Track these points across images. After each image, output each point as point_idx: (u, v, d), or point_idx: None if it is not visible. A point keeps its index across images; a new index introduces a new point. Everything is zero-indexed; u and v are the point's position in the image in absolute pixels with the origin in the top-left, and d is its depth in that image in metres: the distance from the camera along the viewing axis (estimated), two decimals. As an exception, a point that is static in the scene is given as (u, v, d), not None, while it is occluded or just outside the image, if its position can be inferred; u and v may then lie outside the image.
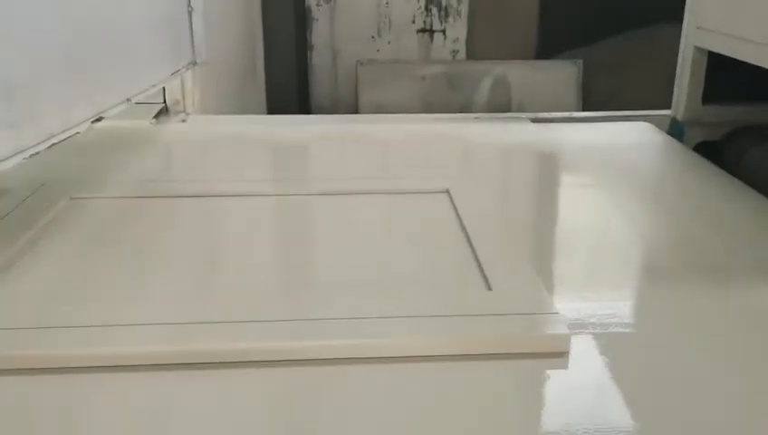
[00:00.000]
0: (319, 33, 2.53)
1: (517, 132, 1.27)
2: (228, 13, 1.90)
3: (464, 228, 0.79)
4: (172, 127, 1.36)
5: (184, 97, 1.45)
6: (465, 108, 2.47)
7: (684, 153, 1.18)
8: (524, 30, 2.47)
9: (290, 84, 2.51)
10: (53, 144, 0.75)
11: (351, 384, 0.53)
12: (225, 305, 0.61)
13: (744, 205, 0.94)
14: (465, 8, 2.48)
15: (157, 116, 1.39)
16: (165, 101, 1.44)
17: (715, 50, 1.18)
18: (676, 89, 1.30)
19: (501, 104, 2.48)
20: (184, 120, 1.41)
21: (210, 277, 0.71)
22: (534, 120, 1.35)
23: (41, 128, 0.73)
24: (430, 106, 2.47)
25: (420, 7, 2.49)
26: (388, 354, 0.55)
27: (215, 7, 1.62)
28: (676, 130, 1.28)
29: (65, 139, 0.78)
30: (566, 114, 1.40)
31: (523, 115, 1.38)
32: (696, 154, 1.18)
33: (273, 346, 0.55)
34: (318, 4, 2.51)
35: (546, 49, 2.45)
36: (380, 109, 2.48)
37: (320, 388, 0.53)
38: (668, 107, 1.33)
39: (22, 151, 0.69)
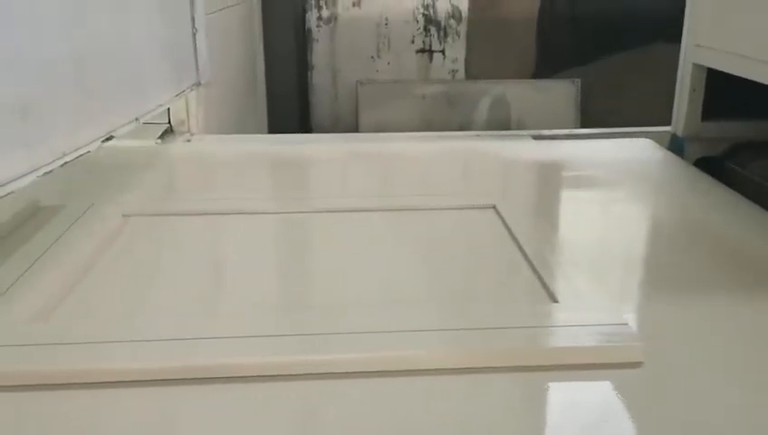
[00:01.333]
0: (319, 54, 2.56)
1: (523, 149, 1.28)
2: (230, 34, 1.92)
3: (518, 243, 0.80)
4: (179, 147, 1.37)
5: (188, 117, 1.47)
6: (464, 126, 2.49)
7: (684, 168, 1.19)
8: (523, 50, 2.49)
9: (291, 104, 2.54)
10: (66, 163, 0.76)
11: (419, 395, 0.53)
12: (274, 320, 0.61)
13: (743, 217, 0.95)
14: (463, 29, 2.51)
15: (162, 136, 1.40)
16: (170, 122, 1.45)
17: (714, 66, 1.19)
18: (675, 106, 1.32)
19: (500, 123, 2.50)
20: (189, 140, 1.43)
21: (267, 292, 0.72)
22: (536, 138, 1.36)
23: (53, 147, 0.74)
24: (430, 125, 2.49)
25: (419, 28, 2.52)
26: (462, 365, 0.56)
27: (217, 29, 1.64)
28: (676, 145, 1.30)
29: (76, 157, 0.79)
30: (567, 131, 1.42)
31: (525, 132, 1.40)
32: (697, 169, 1.19)
33: (341, 358, 0.55)
34: (318, 26, 2.54)
35: (544, 68, 2.48)
36: (380, 128, 2.50)
37: (394, 398, 0.53)
38: (666, 125, 1.34)
39: (36, 170, 0.70)
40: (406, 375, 0.54)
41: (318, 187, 1.13)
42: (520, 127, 2.46)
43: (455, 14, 2.51)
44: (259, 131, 2.25)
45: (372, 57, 2.56)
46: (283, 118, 2.47)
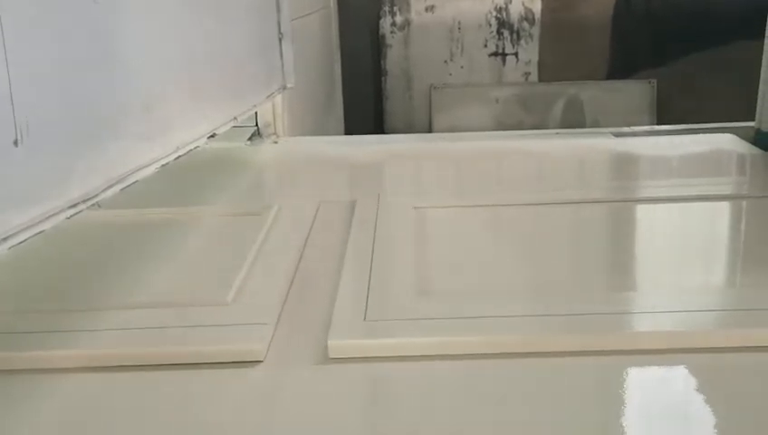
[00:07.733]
0: (393, 59, 2.61)
1: (611, 145, 1.29)
2: (310, 40, 1.99)
3: None
4: (270, 148, 1.44)
5: (274, 120, 1.53)
6: (538, 129, 2.49)
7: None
8: (597, 51, 2.48)
9: (366, 108, 2.59)
10: (179, 156, 0.82)
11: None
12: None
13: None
14: (536, 31, 2.51)
15: (251, 138, 1.47)
16: (257, 124, 1.52)
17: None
18: (759, 100, 1.31)
19: (574, 125, 2.49)
20: (276, 142, 1.49)
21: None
22: (617, 135, 1.37)
23: (170, 141, 0.80)
24: (503, 128, 2.51)
25: (492, 31, 2.54)
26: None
27: (299, 35, 1.71)
28: (761, 140, 1.28)
29: (187, 152, 0.86)
30: (647, 128, 1.42)
31: (605, 130, 1.41)
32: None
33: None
34: (392, 31, 2.59)
35: (619, 70, 2.46)
36: (454, 131, 2.53)
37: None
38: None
39: (156, 162, 0.76)
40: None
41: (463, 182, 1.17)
42: (595, 128, 2.45)
43: (527, 17, 2.52)
44: (336, 134, 2.31)
45: (445, 61, 2.59)
46: (358, 122, 2.53)
